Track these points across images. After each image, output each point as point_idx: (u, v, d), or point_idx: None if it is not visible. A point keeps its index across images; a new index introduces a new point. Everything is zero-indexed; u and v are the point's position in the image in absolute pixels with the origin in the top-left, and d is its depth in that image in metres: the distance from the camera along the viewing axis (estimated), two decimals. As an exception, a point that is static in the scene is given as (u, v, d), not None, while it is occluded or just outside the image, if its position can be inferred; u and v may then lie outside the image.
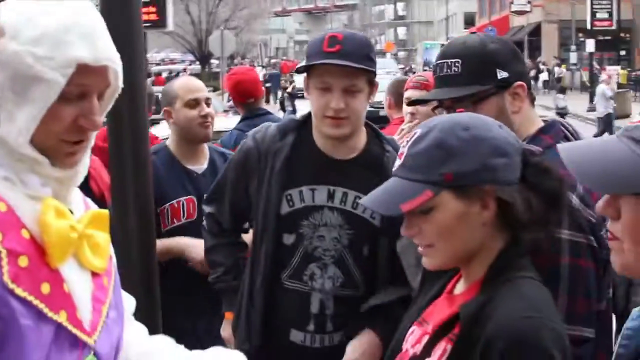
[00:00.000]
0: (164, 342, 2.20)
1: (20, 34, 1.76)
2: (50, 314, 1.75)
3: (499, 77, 2.46)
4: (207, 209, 3.39)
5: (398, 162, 1.96)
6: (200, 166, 4.15)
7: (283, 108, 30.86)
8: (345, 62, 2.90)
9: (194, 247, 3.81)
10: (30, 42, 1.75)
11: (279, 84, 39.78)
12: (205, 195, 3.74)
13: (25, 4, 1.79)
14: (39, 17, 1.77)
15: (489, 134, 1.91)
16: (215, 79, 37.19)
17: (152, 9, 21.90)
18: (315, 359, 3.08)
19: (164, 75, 41.40)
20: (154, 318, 2.89)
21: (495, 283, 1.87)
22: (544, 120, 2.52)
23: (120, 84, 1.92)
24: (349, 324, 3.05)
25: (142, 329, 2.23)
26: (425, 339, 1.98)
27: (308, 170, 3.07)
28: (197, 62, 48.80)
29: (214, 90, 21.28)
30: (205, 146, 4.23)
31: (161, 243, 3.89)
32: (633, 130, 1.43)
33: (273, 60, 65.99)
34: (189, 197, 4.05)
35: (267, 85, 39.93)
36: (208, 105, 4.15)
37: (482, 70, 2.47)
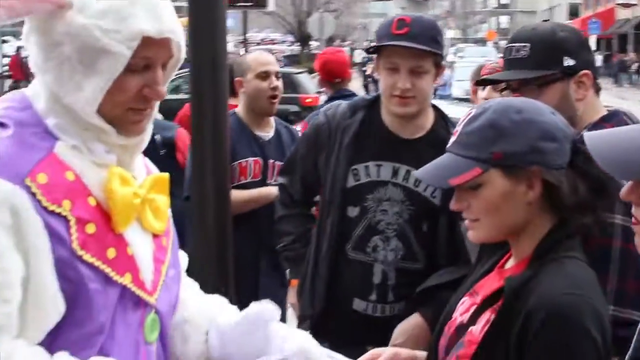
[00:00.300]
0: (220, 301, 2.30)
1: (86, 7, 1.81)
2: (115, 278, 1.86)
3: (565, 65, 2.54)
4: (280, 180, 3.54)
5: (452, 139, 2.06)
6: (267, 134, 4.40)
7: (367, 91, 30.89)
8: (412, 44, 3.03)
9: None
10: (97, 15, 1.80)
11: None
12: (270, 160, 4.02)
13: None
14: None
15: (540, 117, 1.98)
16: (313, 60, 37.39)
17: (253, -11, 22.25)
18: (376, 327, 3.18)
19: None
20: (226, 278, 3.04)
21: (542, 261, 1.95)
22: (608, 110, 2.59)
23: (183, 55, 2.00)
24: (409, 296, 3.16)
25: (194, 285, 2.33)
26: (474, 309, 2.08)
27: (375, 147, 3.20)
28: (297, 43, 49.03)
29: (310, 72, 21.38)
30: (272, 118, 4.47)
31: (247, 193, 4.20)
32: None
33: (373, 44, 65.80)
34: (256, 158, 4.29)
35: (364, 69, 39.94)
36: (277, 78, 4.37)
37: (549, 56, 2.55)
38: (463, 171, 1.99)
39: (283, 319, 3.80)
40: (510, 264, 2.10)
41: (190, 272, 2.30)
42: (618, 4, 53.86)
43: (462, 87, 18.94)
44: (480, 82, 3.15)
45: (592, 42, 54.78)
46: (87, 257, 1.81)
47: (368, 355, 2.27)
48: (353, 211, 3.21)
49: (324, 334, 2.89)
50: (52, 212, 1.76)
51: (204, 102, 3.02)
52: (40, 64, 1.87)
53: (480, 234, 2.07)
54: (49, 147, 1.83)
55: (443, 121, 3.27)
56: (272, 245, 3.65)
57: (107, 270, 1.84)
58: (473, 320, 2.04)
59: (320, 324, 3.16)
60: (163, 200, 2.03)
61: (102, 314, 1.83)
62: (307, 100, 17.13)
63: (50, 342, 1.78)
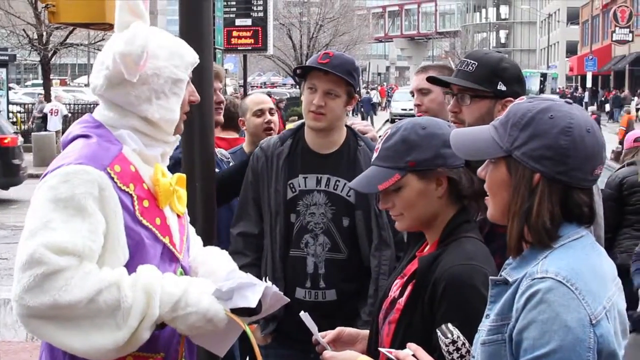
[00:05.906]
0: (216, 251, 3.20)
1: (158, 54, 2.77)
2: (160, 237, 2.78)
3: (498, 88, 3.17)
4: (233, 230, 4.07)
5: (375, 155, 2.64)
6: None
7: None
8: (329, 69, 3.73)
9: None
10: (167, 58, 2.80)
11: (370, 108, 41.60)
12: None
13: (142, 39, 2.69)
14: (161, 42, 2.80)
15: (440, 131, 2.57)
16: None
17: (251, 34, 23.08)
18: (311, 311, 3.69)
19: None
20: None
21: (446, 242, 2.54)
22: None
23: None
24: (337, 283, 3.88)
25: (199, 241, 3.22)
26: (401, 286, 2.64)
27: (301, 164, 3.94)
28: (298, 86, 49.78)
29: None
30: None
31: None
32: (495, 121, 2.09)
33: (371, 86, 66.88)
34: None
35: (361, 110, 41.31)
36: (272, 114, 5.04)
37: (488, 77, 3.18)
38: (387, 178, 2.57)
39: None
40: (427, 249, 2.66)
41: None
42: (614, 41, 54.58)
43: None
44: (430, 78, 3.54)
45: (588, 79, 55.31)
46: (144, 221, 2.72)
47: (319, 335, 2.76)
48: (292, 217, 3.93)
49: (285, 331, 3.78)
50: (123, 191, 2.68)
51: (193, 129, 3.82)
52: (133, 100, 2.77)
53: (404, 224, 2.65)
54: (118, 149, 2.75)
55: (354, 137, 4.00)
56: None
57: (155, 231, 2.76)
58: (401, 294, 2.60)
59: (280, 322, 3.86)
60: (184, 192, 2.99)
61: (153, 261, 2.71)
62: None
63: None
